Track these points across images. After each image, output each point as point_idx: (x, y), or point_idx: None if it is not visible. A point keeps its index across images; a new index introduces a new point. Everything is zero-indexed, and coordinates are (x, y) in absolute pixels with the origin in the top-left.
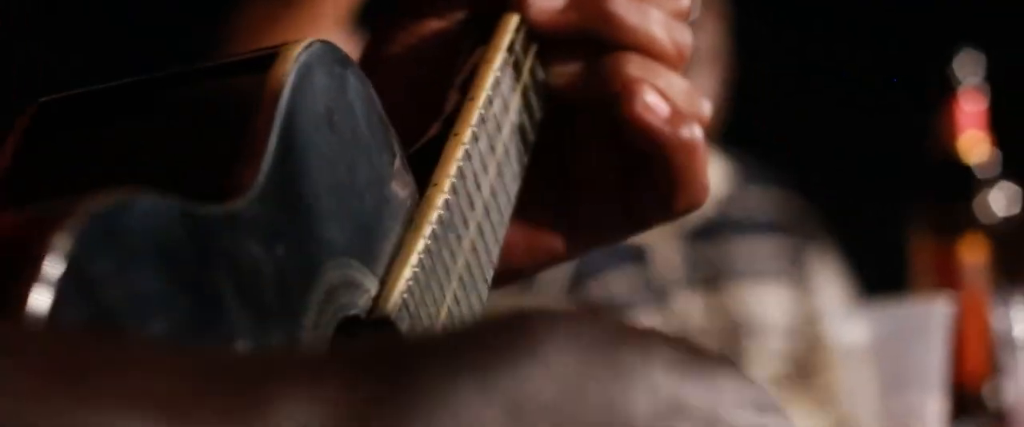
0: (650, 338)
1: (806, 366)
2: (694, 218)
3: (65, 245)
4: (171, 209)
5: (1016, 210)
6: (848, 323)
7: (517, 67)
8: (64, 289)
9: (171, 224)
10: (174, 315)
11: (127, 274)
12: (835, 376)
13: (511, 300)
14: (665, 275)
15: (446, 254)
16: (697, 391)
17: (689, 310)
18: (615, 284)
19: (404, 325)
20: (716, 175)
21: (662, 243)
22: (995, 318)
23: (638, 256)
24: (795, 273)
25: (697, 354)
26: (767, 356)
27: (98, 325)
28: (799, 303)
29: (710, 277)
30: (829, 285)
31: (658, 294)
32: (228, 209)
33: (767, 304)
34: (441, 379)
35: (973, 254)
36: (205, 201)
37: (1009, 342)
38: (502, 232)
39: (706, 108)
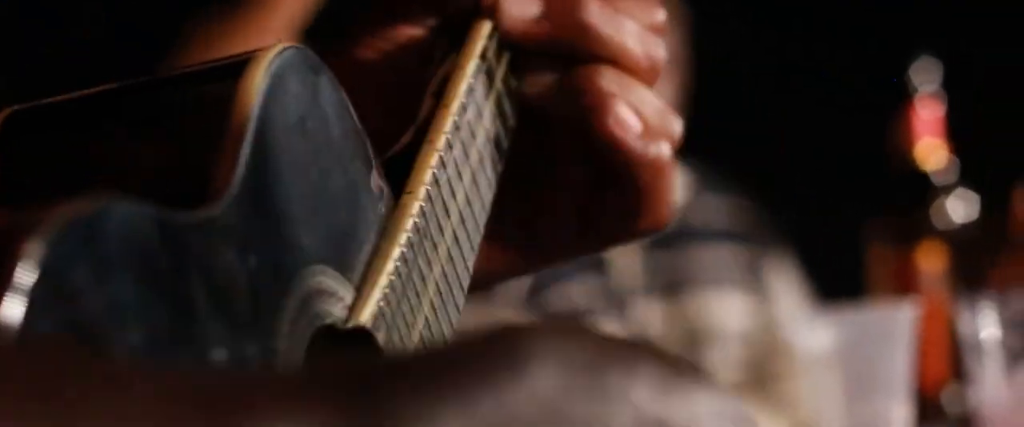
0: (633, 355)
1: (765, 374)
2: None
3: (38, 253)
4: (146, 215)
5: (974, 217)
6: (813, 329)
7: (490, 74)
8: (37, 298)
9: (146, 231)
10: (149, 324)
11: (102, 282)
12: (795, 384)
13: (471, 309)
14: (624, 284)
15: (422, 262)
16: (680, 410)
17: (648, 319)
18: (575, 293)
19: (381, 334)
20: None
21: (621, 252)
22: (961, 323)
23: (597, 265)
24: (753, 281)
25: (678, 369)
26: (726, 364)
27: (70, 340)
28: (757, 311)
29: (669, 285)
30: (787, 293)
31: (617, 303)
32: (203, 215)
33: (726, 312)
34: (423, 406)
35: (931, 261)
36: (180, 207)
37: (975, 347)
38: (477, 239)
39: (676, 126)
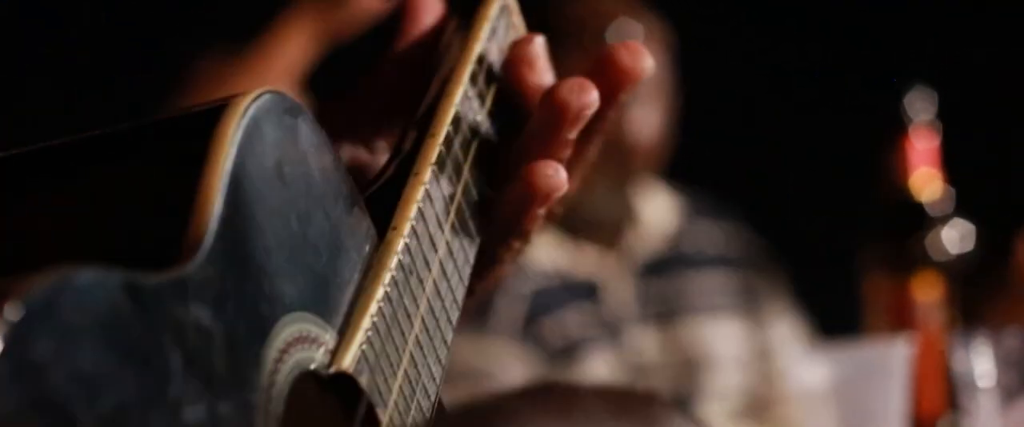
0: None
1: (761, 399)
2: (646, 253)
3: (2, 329)
4: (113, 282)
5: (969, 247)
6: (808, 365)
7: (481, 98)
8: (3, 374)
9: (114, 298)
10: (121, 390)
11: (69, 354)
12: (790, 408)
13: (464, 341)
14: (618, 311)
15: (408, 300)
16: None
17: (643, 346)
18: (569, 322)
19: (364, 378)
20: (666, 210)
21: (615, 280)
22: (956, 359)
23: (591, 293)
24: (747, 306)
25: None
26: (722, 390)
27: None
28: (752, 336)
29: (663, 312)
30: (781, 318)
31: (612, 331)
32: (174, 276)
33: (720, 338)
34: None
35: (927, 292)
36: (151, 268)
37: (970, 383)
38: (467, 271)
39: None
